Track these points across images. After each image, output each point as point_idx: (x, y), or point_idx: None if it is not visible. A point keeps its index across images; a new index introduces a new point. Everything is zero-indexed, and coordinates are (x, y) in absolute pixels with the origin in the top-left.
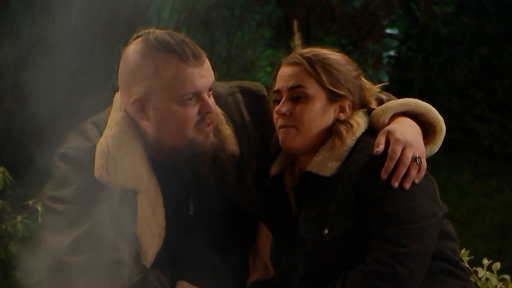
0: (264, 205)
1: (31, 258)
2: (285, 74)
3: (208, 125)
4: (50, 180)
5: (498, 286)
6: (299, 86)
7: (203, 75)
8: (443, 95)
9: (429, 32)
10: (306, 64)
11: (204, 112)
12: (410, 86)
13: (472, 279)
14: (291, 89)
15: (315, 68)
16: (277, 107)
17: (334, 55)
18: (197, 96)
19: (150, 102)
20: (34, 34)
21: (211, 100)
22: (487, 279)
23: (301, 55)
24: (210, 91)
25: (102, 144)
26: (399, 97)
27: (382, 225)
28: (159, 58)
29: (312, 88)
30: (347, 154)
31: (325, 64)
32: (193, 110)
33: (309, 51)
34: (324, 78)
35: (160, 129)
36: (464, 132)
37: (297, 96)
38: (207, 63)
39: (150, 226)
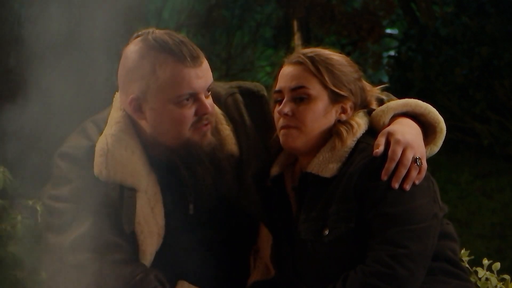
0: (264, 205)
1: (31, 258)
2: (287, 74)
3: (206, 125)
4: (50, 179)
5: (498, 286)
6: (302, 87)
7: (201, 76)
8: (443, 95)
9: (429, 32)
10: (309, 63)
11: (201, 113)
12: (410, 86)
13: (472, 279)
14: (294, 89)
15: (319, 68)
16: (279, 108)
17: (336, 56)
18: (194, 97)
19: (147, 101)
20: (34, 34)
21: (209, 101)
22: (487, 279)
23: (304, 54)
24: (208, 92)
25: (101, 142)
26: (399, 97)
27: (382, 226)
28: (156, 58)
29: (315, 89)
30: (347, 155)
31: (328, 65)
32: (189, 111)
33: (311, 51)
34: (327, 78)
35: (157, 128)
36: (464, 132)
37: (300, 97)
38: (205, 64)
39: (148, 224)
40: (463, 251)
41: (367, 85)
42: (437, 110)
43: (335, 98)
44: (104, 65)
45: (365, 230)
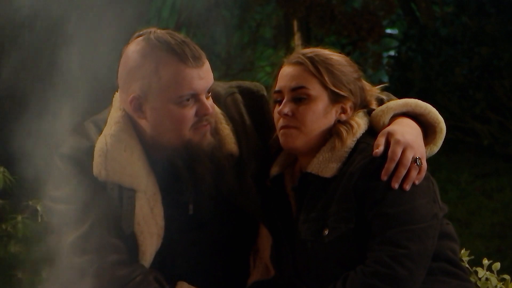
0: (264, 205)
1: (31, 258)
2: (287, 74)
3: (205, 125)
4: (50, 180)
5: (498, 286)
6: (302, 87)
7: (202, 76)
8: (443, 95)
9: (429, 32)
10: (309, 64)
11: (201, 114)
12: (410, 86)
13: (472, 279)
14: (294, 90)
15: (318, 68)
16: (279, 108)
17: (336, 56)
18: (195, 97)
19: (148, 101)
20: (35, 34)
21: (209, 102)
22: (487, 279)
23: (303, 54)
24: (209, 93)
25: (101, 143)
26: (399, 97)
27: (382, 226)
28: (158, 57)
29: (315, 89)
30: (347, 155)
31: (328, 65)
32: (190, 111)
33: (311, 51)
34: (327, 78)
35: (157, 128)
36: (464, 132)
37: (300, 97)
38: (206, 65)
39: (148, 225)
40: (463, 251)
41: (367, 85)
42: (437, 110)
43: (335, 98)
44: (104, 64)
45: (365, 230)
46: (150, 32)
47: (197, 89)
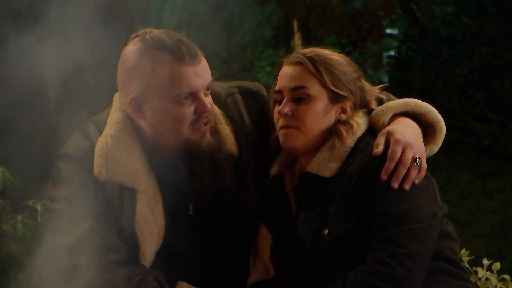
0: (264, 205)
1: (31, 258)
2: (287, 74)
3: (205, 124)
4: (50, 180)
5: (498, 286)
6: (302, 87)
7: (199, 74)
8: (443, 95)
9: (429, 32)
10: (309, 63)
11: (200, 111)
12: (410, 86)
13: (472, 279)
14: (294, 89)
15: (318, 68)
16: (278, 108)
17: (335, 56)
18: (193, 95)
19: (147, 101)
20: (34, 34)
21: (208, 99)
22: (487, 279)
23: (303, 54)
24: (208, 90)
25: (101, 143)
26: (399, 97)
27: (382, 225)
28: (155, 57)
29: (315, 89)
30: (347, 155)
31: (328, 65)
32: (189, 109)
33: (310, 51)
34: (326, 78)
35: (156, 127)
36: (464, 132)
37: (299, 97)
38: (203, 62)
39: (148, 225)
40: (463, 251)
41: (367, 85)
42: (437, 110)
43: (335, 98)
44: (102, 64)
45: (365, 230)
46: (146, 32)
47: (194, 86)
